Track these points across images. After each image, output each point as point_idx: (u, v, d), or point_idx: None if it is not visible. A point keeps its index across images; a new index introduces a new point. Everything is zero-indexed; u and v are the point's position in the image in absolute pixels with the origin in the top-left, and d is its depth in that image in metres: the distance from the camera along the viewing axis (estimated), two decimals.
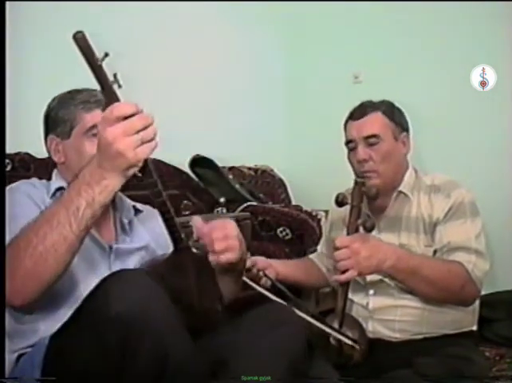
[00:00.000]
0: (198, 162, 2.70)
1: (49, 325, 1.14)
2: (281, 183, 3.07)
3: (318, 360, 1.19)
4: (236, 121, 2.97)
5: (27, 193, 1.22)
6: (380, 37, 2.83)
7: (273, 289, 1.53)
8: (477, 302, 1.57)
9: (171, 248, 1.29)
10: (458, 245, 1.46)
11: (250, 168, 2.98)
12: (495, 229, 2.13)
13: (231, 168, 2.86)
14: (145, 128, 0.94)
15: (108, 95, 0.94)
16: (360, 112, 1.58)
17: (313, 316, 1.38)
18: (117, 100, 0.95)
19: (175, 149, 2.28)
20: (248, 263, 1.54)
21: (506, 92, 2.39)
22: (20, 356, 1.17)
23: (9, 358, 1.17)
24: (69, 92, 1.33)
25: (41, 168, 2.14)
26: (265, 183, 2.99)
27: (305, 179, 3.11)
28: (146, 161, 0.98)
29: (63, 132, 1.29)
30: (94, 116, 1.25)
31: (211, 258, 1.15)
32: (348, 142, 1.59)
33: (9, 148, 1.92)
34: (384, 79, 2.69)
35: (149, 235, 1.37)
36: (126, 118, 0.94)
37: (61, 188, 1.27)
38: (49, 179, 1.35)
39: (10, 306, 1.05)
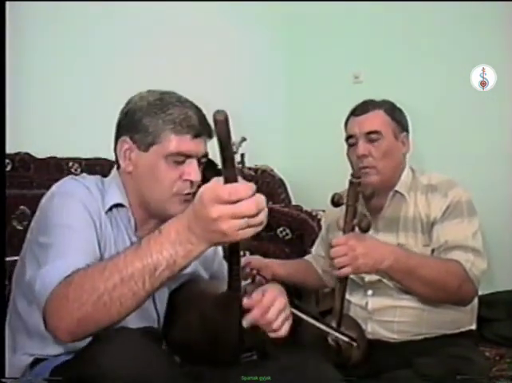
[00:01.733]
0: None
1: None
2: (281, 183, 3.07)
3: (319, 360, 1.20)
4: (236, 121, 2.96)
5: (82, 201, 1.11)
6: (380, 37, 2.83)
7: None
8: (475, 301, 1.57)
9: (216, 266, 1.31)
10: (456, 244, 1.46)
11: (250, 168, 2.98)
12: (495, 229, 2.13)
13: None
14: (255, 215, 0.85)
15: (228, 175, 0.86)
16: (362, 108, 1.59)
17: (310, 315, 1.37)
18: (235, 180, 0.86)
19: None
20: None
21: (506, 92, 2.39)
22: (36, 360, 1.15)
23: (22, 360, 1.16)
24: (161, 101, 1.18)
25: (41, 168, 2.14)
26: (265, 183, 2.99)
27: (305, 179, 3.11)
28: (238, 243, 0.91)
29: (142, 142, 1.16)
30: (182, 142, 1.14)
31: (270, 335, 1.08)
32: (348, 138, 1.60)
33: (9, 148, 1.92)
34: (384, 79, 2.69)
35: (198, 260, 1.29)
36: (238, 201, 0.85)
37: (118, 205, 1.18)
38: (104, 175, 1.24)
39: (53, 337, 0.99)
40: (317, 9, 3.07)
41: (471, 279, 1.44)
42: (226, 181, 0.86)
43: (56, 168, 2.16)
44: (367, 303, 1.56)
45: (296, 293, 1.90)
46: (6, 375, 1.15)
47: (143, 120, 1.16)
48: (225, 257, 1.39)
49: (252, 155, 3.00)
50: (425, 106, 2.59)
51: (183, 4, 2.69)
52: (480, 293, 1.55)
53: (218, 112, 0.80)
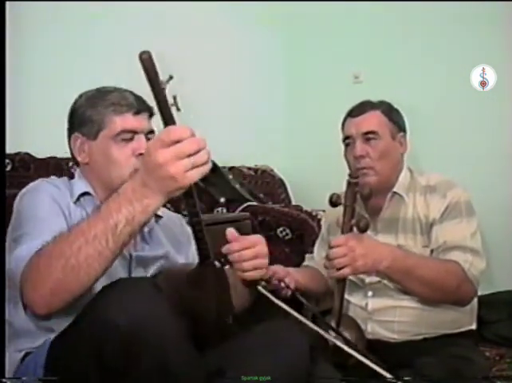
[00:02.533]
0: None
1: (60, 326, 1.13)
2: (281, 183, 3.07)
3: (319, 360, 1.20)
4: (236, 121, 2.97)
5: (52, 195, 1.19)
6: (380, 37, 2.82)
7: (291, 298, 1.51)
8: (475, 301, 1.57)
9: (192, 256, 1.30)
10: (454, 244, 1.46)
11: (250, 168, 2.98)
12: (494, 229, 2.13)
13: (231, 168, 2.86)
14: (198, 152, 0.92)
15: (165, 117, 0.92)
16: (359, 109, 1.60)
17: (317, 322, 1.36)
18: (174, 123, 0.93)
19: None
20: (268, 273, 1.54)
21: (506, 92, 2.39)
22: (25, 355, 1.17)
23: (14, 357, 1.17)
24: (98, 91, 1.29)
25: (41, 168, 2.14)
26: (265, 183, 2.99)
27: (305, 179, 3.11)
28: (191, 189, 0.97)
29: (90, 132, 1.26)
30: (124, 121, 1.23)
31: (238, 274, 1.15)
32: (345, 138, 1.60)
33: (9, 148, 1.92)
34: (383, 79, 2.69)
35: (169, 242, 1.36)
36: (178, 141, 0.91)
37: (85, 193, 1.25)
38: (71, 177, 1.32)
39: (32, 312, 1.04)
40: (316, 9, 3.07)
41: (470, 279, 1.44)
42: (165, 123, 0.92)
43: (56, 168, 2.15)
44: (367, 304, 1.56)
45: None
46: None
47: (87, 113, 1.26)
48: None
49: (252, 155, 3.00)
50: (425, 106, 2.59)
51: (183, 4, 2.69)
52: (480, 293, 1.55)
53: (143, 52, 0.87)
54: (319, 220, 2.37)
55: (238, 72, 3.02)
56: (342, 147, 1.66)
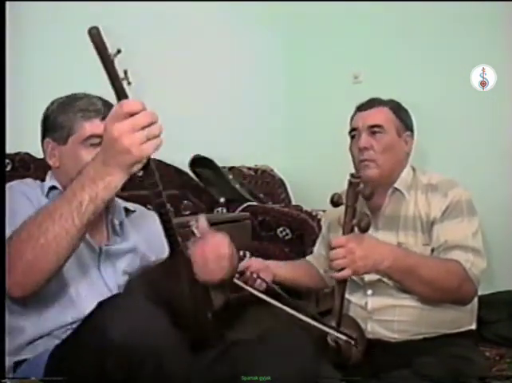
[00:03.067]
0: (198, 162, 2.70)
1: (35, 325, 1.16)
2: (281, 183, 3.07)
3: (319, 360, 1.20)
4: (236, 121, 2.97)
5: (22, 191, 1.24)
6: (380, 37, 2.83)
7: (269, 291, 1.53)
8: (475, 301, 1.57)
9: (165, 251, 1.29)
10: (455, 243, 1.46)
11: (249, 168, 2.98)
12: (495, 229, 2.14)
13: (231, 168, 2.86)
14: (150, 124, 0.96)
15: (117, 91, 0.95)
16: (368, 104, 1.61)
17: (310, 315, 1.37)
18: (126, 96, 0.95)
19: (175, 149, 2.28)
20: (242, 266, 1.55)
21: (506, 92, 2.39)
22: (16, 364, 1.17)
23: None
24: (68, 98, 1.32)
25: (41, 168, 2.14)
26: (265, 183, 2.99)
27: (305, 179, 3.11)
28: (149, 161, 0.99)
29: (60, 137, 1.29)
30: (93, 126, 1.26)
31: (200, 277, 1.16)
32: (351, 130, 1.61)
33: (9, 148, 1.92)
34: (383, 79, 2.70)
35: (140, 237, 1.38)
36: (132, 115, 0.95)
37: (53, 187, 1.29)
38: (44, 180, 1.36)
39: (10, 298, 1.06)
40: (317, 9, 3.07)
41: (471, 279, 1.44)
42: (118, 97, 0.95)
43: None
44: (366, 303, 1.56)
45: (295, 293, 1.90)
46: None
47: (57, 119, 1.29)
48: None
49: (252, 155, 3.01)
50: (425, 106, 2.58)
51: (183, 4, 2.70)
52: (480, 293, 1.55)
53: (92, 27, 0.91)
54: (319, 220, 2.37)
55: (238, 72, 3.02)
56: (342, 147, 1.66)
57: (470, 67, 2.34)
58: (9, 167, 2.08)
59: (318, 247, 1.82)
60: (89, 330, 0.99)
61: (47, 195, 1.28)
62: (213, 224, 1.34)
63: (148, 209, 1.47)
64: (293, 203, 3.01)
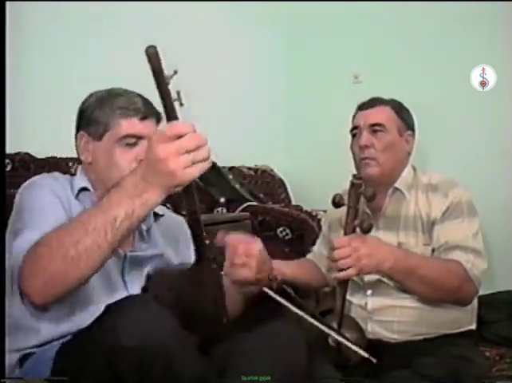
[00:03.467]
0: None
1: (52, 326, 1.15)
2: (281, 183, 3.07)
3: (319, 360, 1.20)
4: (236, 121, 2.97)
5: (51, 188, 1.19)
6: (380, 37, 2.83)
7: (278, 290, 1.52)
8: (475, 301, 1.57)
9: (190, 257, 1.29)
10: (456, 244, 1.46)
11: (249, 168, 2.98)
12: (495, 229, 2.13)
13: (231, 168, 2.86)
14: (198, 148, 0.92)
15: (168, 113, 0.91)
16: (369, 103, 1.62)
17: (315, 317, 1.37)
18: (176, 118, 0.92)
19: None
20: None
21: (506, 92, 2.39)
22: (23, 357, 1.16)
23: (10, 357, 1.16)
24: (108, 93, 1.28)
25: (41, 168, 2.14)
26: (265, 183, 2.99)
27: (305, 179, 3.11)
28: (191, 182, 0.96)
29: (95, 132, 1.25)
30: (130, 125, 1.23)
31: (226, 270, 1.16)
32: (352, 129, 1.61)
33: (9, 148, 1.92)
34: (383, 79, 2.69)
35: (167, 242, 1.36)
36: (180, 137, 0.92)
37: (84, 189, 1.25)
38: (73, 174, 1.32)
39: (29, 302, 1.04)
40: (317, 9, 3.07)
41: (471, 279, 1.44)
42: (168, 118, 0.91)
43: (56, 168, 2.15)
44: (366, 303, 1.56)
45: (295, 292, 1.89)
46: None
47: (94, 113, 1.25)
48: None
49: (252, 155, 3.00)
50: (425, 106, 2.58)
51: (183, 4, 2.69)
52: (480, 293, 1.55)
53: (149, 46, 0.90)
54: (319, 220, 2.37)
55: (238, 72, 3.02)
56: (342, 147, 1.67)
57: (470, 67, 2.34)
58: (9, 167, 2.08)
59: (318, 246, 1.82)
60: (98, 330, 0.98)
61: (77, 197, 1.24)
62: (213, 224, 1.34)
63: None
64: (293, 203, 3.01)
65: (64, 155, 2.23)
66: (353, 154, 1.61)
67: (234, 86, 2.96)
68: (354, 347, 1.35)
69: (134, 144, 1.23)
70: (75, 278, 0.99)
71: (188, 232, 1.40)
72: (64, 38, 2.34)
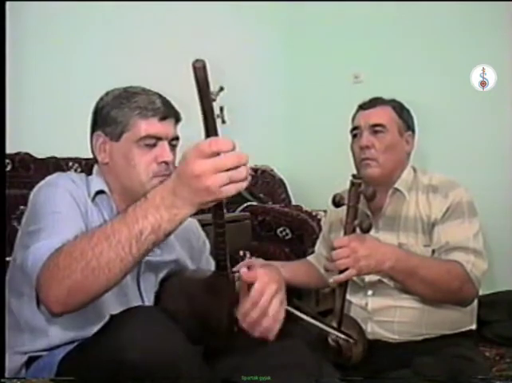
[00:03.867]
0: None
1: (62, 331, 1.14)
2: (281, 183, 3.07)
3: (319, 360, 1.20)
4: (236, 121, 2.96)
5: (68, 190, 1.15)
6: (380, 37, 2.83)
7: None
8: (475, 301, 1.57)
9: (205, 262, 1.30)
10: (457, 245, 1.46)
11: (250, 168, 2.98)
12: (495, 229, 2.13)
13: None
14: (236, 167, 0.89)
15: (209, 128, 0.87)
16: (370, 103, 1.61)
17: (310, 315, 1.37)
18: (216, 134, 0.88)
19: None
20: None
21: (506, 92, 2.39)
22: (30, 359, 1.16)
23: (16, 359, 1.16)
24: (126, 91, 1.23)
25: (41, 168, 2.14)
26: (265, 183, 2.99)
27: (305, 179, 3.11)
28: (222, 200, 0.92)
29: (113, 132, 1.21)
30: (150, 125, 1.19)
31: (242, 316, 1.09)
32: (353, 129, 1.61)
33: (9, 148, 1.92)
34: (384, 79, 2.69)
35: (183, 247, 1.34)
36: (218, 154, 0.88)
37: (101, 191, 1.22)
38: (89, 173, 1.28)
39: (47, 310, 1.01)
40: (317, 10, 3.07)
41: (472, 280, 1.44)
42: (207, 134, 0.87)
43: (56, 168, 2.15)
44: (367, 303, 1.56)
45: (296, 293, 1.90)
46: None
47: (112, 113, 1.21)
48: (211, 253, 1.40)
49: (252, 155, 3.00)
50: (425, 106, 2.58)
51: (183, 4, 2.69)
52: (480, 293, 1.54)
53: (196, 60, 0.85)
54: (319, 220, 2.37)
55: (238, 72, 3.02)
56: (342, 147, 1.67)
57: (470, 67, 2.34)
58: (9, 167, 2.08)
59: (319, 247, 1.82)
60: (101, 341, 0.97)
61: (93, 199, 1.21)
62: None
63: None
64: (293, 203, 3.01)
65: (64, 156, 2.24)
66: (353, 154, 1.61)
67: (233, 86, 2.96)
68: (341, 335, 1.36)
69: (153, 145, 1.20)
70: (95, 290, 0.96)
71: (203, 235, 1.40)
72: (64, 38, 2.34)
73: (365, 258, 1.36)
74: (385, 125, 1.56)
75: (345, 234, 1.42)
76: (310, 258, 1.83)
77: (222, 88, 0.89)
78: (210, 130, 0.87)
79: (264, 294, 1.07)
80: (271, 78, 3.23)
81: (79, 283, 0.94)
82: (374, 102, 1.61)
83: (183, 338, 0.96)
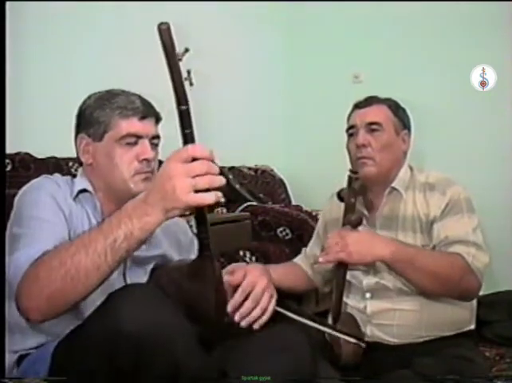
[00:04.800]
0: None
1: (51, 328, 1.14)
2: (281, 183, 3.07)
3: (319, 360, 1.20)
4: (236, 121, 2.97)
5: (51, 193, 1.19)
6: (380, 37, 2.83)
7: None
8: (474, 301, 1.56)
9: (191, 255, 1.31)
10: (456, 238, 1.46)
11: (250, 168, 2.98)
12: (495, 229, 2.13)
13: (231, 168, 2.86)
14: (206, 174, 0.92)
15: (178, 92, 0.91)
16: (366, 102, 1.61)
17: (311, 318, 1.37)
18: (186, 99, 0.93)
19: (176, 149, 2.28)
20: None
21: (506, 92, 2.39)
22: (21, 357, 1.17)
23: (8, 358, 1.17)
24: (107, 93, 1.29)
25: (41, 168, 2.14)
26: (265, 183, 2.99)
27: (305, 179, 3.11)
28: (202, 212, 0.98)
29: (95, 133, 1.26)
30: (130, 125, 1.24)
31: (242, 323, 1.15)
32: (349, 128, 1.60)
33: (9, 148, 1.92)
34: (384, 79, 2.69)
35: (170, 244, 1.36)
36: (195, 160, 0.92)
37: (83, 190, 1.26)
38: (73, 176, 1.33)
39: (26, 319, 1.04)
40: (317, 10, 3.07)
41: (474, 272, 1.43)
42: (177, 99, 0.90)
43: (56, 168, 2.15)
44: (365, 307, 1.54)
45: (295, 294, 1.89)
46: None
47: (94, 114, 1.26)
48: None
49: (252, 155, 3.01)
50: (425, 106, 2.59)
51: (183, 4, 2.69)
52: (480, 293, 1.54)
53: (161, 23, 0.89)
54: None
55: (238, 72, 3.02)
56: (342, 147, 1.66)
57: (470, 67, 2.34)
58: (9, 167, 2.08)
59: (312, 247, 1.79)
60: (99, 318, 0.99)
61: (75, 198, 1.24)
62: (213, 224, 1.34)
63: None
64: (293, 203, 3.01)
65: (64, 156, 2.23)
66: (349, 153, 1.61)
67: (233, 86, 2.96)
68: (350, 339, 1.36)
69: (134, 143, 1.24)
70: (73, 298, 0.99)
71: (190, 235, 1.42)
72: (64, 38, 2.34)
73: (354, 245, 1.39)
74: (381, 123, 1.56)
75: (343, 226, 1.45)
76: (298, 259, 1.79)
77: (187, 50, 0.91)
78: (180, 94, 0.91)
79: (256, 286, 1.16)
80: (271, 78, 3.23)
81: (58, 292, 0.97)
82: (370, 101, 1.60)
83: (178, 314, 0.99)
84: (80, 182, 1.27)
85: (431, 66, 2.65)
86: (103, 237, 0.97)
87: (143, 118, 1.25)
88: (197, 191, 0.92)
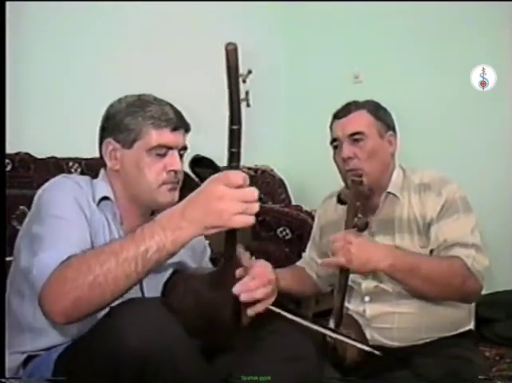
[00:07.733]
0: (198, 162, 2.70)
1: (63, 331, 1.15)
2: (281, 183, 3.07)
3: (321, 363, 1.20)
4: None
5: (73, 194, 1.17)
6: (380, 37, 2.83)
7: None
8: None
9: (202, 263, 1.32)
10: (455, 241, 1.44)
11: (250, 168, 2.98)
12: (494, 229, 2.13)
13: None
14: (252, 202, 0.95)
15: (233, 112, 0.93)
16: (344, 111, 1.57)
17: (308, 320, 1.37)
18: (239, 119, 0.96)
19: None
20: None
21: (506, 92, 2.39)
22: (29, 357, 1.16)
23: (15, 358, 1.17)
24: (139, 100, 1.26)
25: (41, 168, 2.14)
26: (265, 183, 2.99)
27: (305, 179, 3.11)
28: (235, 231, 0.99)
29: (125, 140, 1.23)
30: (162, 136, 1.22)
31: (249, 311, 1.13)
32: (332, 141, 1.58)
33: (9, 148, 1.92)
34: (384, 79, 2.69)
35: (184, 249, 1.34)
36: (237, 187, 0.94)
37: (106, 198, 1.24)
38: (89, 174, 1.31)
39: (50, 319, 1.03)
40: (317, 9, 3.07)
41: (475, 275, 1.42)
42: (231, 116, 0.92)
43: (56, 168, 2.16)
44: (364, 310, 1.53)
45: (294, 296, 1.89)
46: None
47: (125, 120, 1.23)
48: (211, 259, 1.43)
49: (252, 155, 3.00)
50: (425, 106, 2.59)
51: (183, 4, 2.69)
52: None
53: (229, 43, 0.91)
54: None
55: None
56: None
57: (470, 67, 2.34)
58: (9, 167, 2.08)
59: (309, 252, 1.78)
60: (100, 331, 0.99)
61: (98, 204, 1.23)
62: None
63: None
64: (293, 203, 3.01)
65: (64, 156, 2.23)
66: (338, 166, 1.58)
67: None
68: (355, 343, 1.36)
69: (164, 155, 1.24)
70: (99, 303, 0.99)
71: (203, 243, 1.43)
72: (64, 38, 2.34)
73: (356, 250, 1.36)
74: (363, 132, 1.51)
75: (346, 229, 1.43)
76: (301, 263, 1.79)
77: (250, 72, 0.91)
78: (235, 113, 0.93)
79: (265, 273, 1.15)
80: (271, 78, 3.22)
81: (84, 296, 0.97)
82: (348, 109, 1.56)
83: (180, 329, 0.98)
84: (102, 187, 1.25)
85: (431, 66, 2.65)
86: (135, 246, 0.97)
87: (174, 129, 1.24)
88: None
